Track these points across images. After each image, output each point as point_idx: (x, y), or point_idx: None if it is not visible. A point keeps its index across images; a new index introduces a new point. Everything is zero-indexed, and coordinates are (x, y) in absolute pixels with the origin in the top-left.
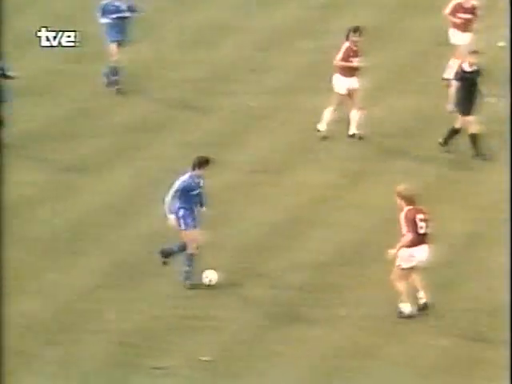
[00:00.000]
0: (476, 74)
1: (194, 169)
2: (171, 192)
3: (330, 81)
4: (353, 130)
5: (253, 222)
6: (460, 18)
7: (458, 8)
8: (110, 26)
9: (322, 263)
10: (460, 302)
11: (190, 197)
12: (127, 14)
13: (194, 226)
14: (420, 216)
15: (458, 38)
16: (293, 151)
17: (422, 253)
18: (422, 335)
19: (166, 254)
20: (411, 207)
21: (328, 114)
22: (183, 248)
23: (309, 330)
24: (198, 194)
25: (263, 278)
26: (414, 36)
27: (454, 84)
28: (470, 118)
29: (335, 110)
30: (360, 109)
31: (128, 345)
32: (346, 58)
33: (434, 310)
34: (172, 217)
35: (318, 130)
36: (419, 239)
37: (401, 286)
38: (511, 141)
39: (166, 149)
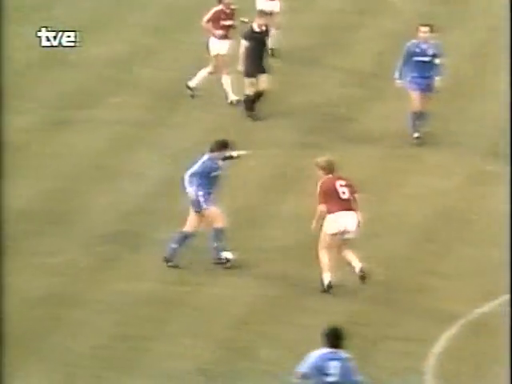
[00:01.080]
0: (265, 34)
1: (212, 151)
2: (189, 171)
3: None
4: (231, 97)
5: None
6: None
7: None
8: None
9: None
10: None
11: (210, 178)
12: None
13: (213, 205)
14: (340, 182)
15: (264, 4)
16: None
17: (349, 220)
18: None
19: (170, 257)
20: (330, 176)
21: (203, 73)
22: (182, 239)
23: None
24: (217, 176)
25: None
26: None
27: (244, 44)
28: (261, 77)
29: (211, 73)
30: (228, 73)
31: None
32: (214, 21)
33: None
34: (191, 190)
35: (188, 87)
36: (343, 205)
37: (324, 255)
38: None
39: None
